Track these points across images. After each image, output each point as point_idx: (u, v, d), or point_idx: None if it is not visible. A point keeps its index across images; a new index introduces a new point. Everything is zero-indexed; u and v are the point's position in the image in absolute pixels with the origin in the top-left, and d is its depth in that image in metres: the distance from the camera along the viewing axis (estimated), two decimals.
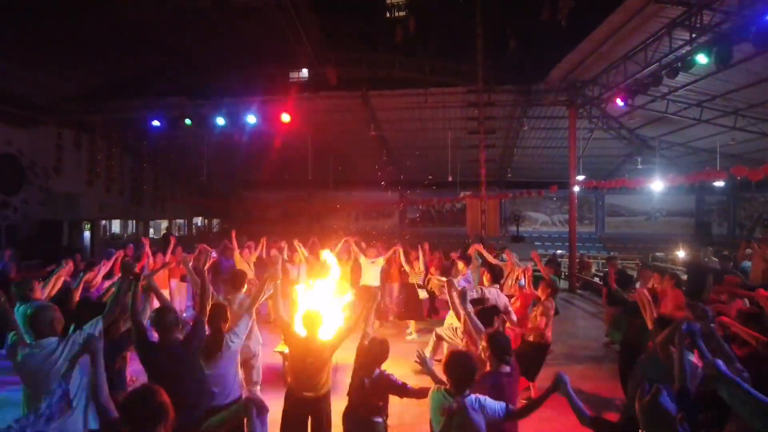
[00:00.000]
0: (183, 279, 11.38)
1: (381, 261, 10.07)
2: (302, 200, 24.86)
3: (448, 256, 10.45)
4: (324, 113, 17.18)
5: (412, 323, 8.94)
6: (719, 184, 16.74)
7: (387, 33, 13.97)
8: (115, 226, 21.75)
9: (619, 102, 11.99)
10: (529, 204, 25.34)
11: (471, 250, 9.32)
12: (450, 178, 17.55)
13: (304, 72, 22.93)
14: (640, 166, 18.96)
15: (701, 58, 8.64)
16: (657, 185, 16.17)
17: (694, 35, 8.86)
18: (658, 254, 19.09)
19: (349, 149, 20.12)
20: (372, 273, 9.91)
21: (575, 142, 14.86)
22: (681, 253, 10.86)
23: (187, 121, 15.47)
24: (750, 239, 8.33)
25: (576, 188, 20.33)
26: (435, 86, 14.61)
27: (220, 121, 15.46)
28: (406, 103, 15.73)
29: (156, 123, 15.55)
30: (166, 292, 9.27)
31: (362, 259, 9.96)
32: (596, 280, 13.85)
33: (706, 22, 8.69)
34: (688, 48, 9.18)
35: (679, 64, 9.33)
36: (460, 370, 2.96)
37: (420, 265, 9.34)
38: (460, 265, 7.45)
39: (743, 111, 13.78)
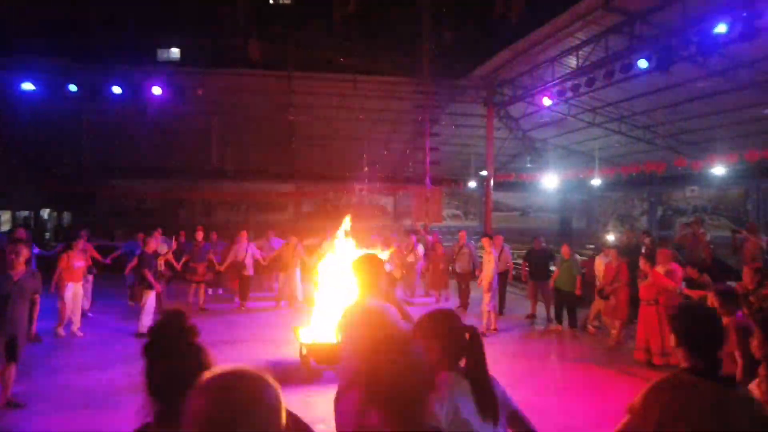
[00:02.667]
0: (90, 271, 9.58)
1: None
2: (185, 190, 22.46)
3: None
4: (234, 93, 15.68)
5: None
6: (596, 182, 19.15)
7: (321, 12, 13.30)
8: None
9: (547, 101, 13.03)
10: (416, 200, 26.27)
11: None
12: (366, 169, 17.37)
13: (175, 51, 20.81)
14: (529, 165, 20.86)
15: (642, 63, 9.80)
16: (552, 180, 18.08)
17: (634, 42, 10.00)
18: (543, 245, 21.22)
19: (252, 135, 18.66)
20: None
21: (492, 140, 15.79)
22: (611, 237, 12.34)
23: (72, 87, 13.00)
24: (737, 228, 9.84)
25: (473, 184, 21.81)
26: (366, 74, 14.31)
27: (116, 90, 13.26)
28: (330, 88, 15.12)
29: (29, 86, 12.72)
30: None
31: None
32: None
33: (645, 32, 9.87)
34: (624, 53, 10.33)
35: (618, 67, 10.43)
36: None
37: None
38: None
39: (627, 118, 16.03)
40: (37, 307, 5.45)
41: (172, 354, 1.57)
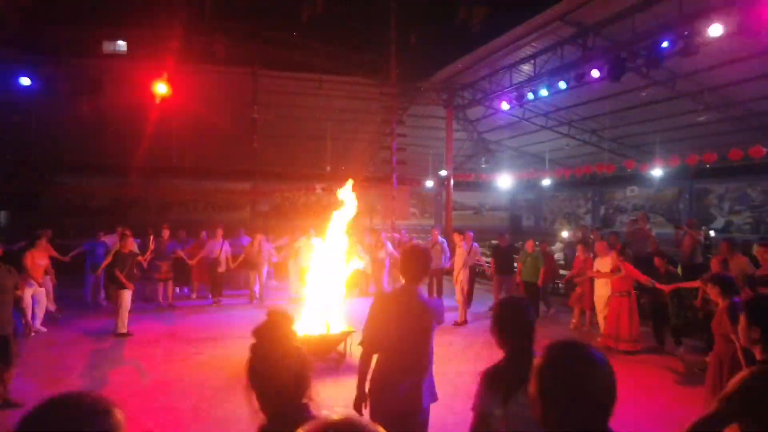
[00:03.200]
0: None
1: None
2: (139, 188, 21.74)
3: None
4: (197, 89, 15.43)
5: None
6: (546, 182, 20.22)
7: (289, 11, 13.41)
8: None
9: (505, 105, 13.73)
10: (379, 198, 26.65)
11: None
12: (329, 168, 17.54)
13: (121, 44, 20.21)
14: (484, 165, 21.71)
15: (594, 73, 10.59)
16: (506, 181, 18.99)
17: (587, 53, 10.79)
18: (494, 242, 22.16)
19: (213, 132, 18.37)
20: None
21: (452, 141, 16.40)
22: (565, 233, 13.17)
23: (26, 80, 12.48)
24: (680, 225, 10.75)
25: (431, 183, 22.41)
26: (331, 74, 14.50)
27: (67, 83, 12.84)
28: (296, 87, 15.22)
29: None
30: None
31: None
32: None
33: (598, 44, 10.68)
34: (578, 63, 11.12)
35: (572, 76, 11.21)
36: None
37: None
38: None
39: (575, 122, 17.08)
40: (24, 302, 5.36)
41: (276, 355, 1.61)
